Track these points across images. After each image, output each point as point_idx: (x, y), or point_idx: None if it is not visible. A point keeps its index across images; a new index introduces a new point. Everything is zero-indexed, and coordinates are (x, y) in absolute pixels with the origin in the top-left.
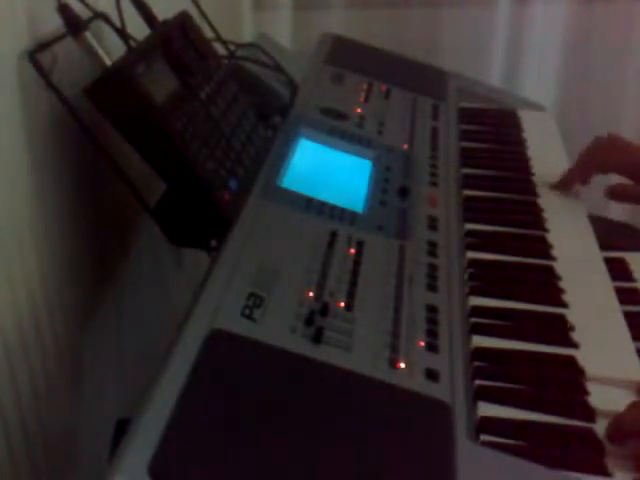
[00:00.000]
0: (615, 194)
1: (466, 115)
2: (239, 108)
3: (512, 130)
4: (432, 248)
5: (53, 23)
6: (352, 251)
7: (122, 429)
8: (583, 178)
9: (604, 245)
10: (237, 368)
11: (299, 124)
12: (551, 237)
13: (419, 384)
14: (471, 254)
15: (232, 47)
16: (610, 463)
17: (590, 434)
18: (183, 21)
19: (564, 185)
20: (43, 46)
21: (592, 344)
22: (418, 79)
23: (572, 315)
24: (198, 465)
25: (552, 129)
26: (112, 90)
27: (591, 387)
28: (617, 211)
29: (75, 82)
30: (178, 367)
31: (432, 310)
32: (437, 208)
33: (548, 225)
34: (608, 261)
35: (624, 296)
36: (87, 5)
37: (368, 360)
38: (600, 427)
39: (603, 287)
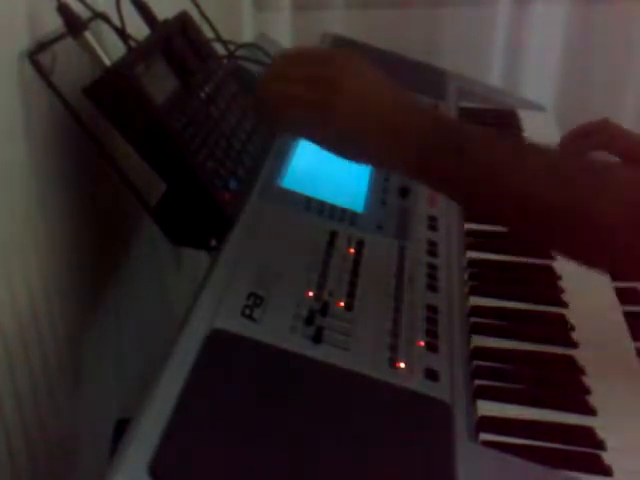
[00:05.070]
0: None
1: (466, 115)
2: (239, 108)
3: (512, 130)
4: (432, 248)
5: (53, 23)
6: (352, 251)
7: (122, 429)
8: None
9: None
10: (237, 368)
11: None
12: None
13: (419, 384)
14: (471, 254)
15: (232, 47)
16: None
17: (590, 433)
18: (183, 21)
19: None
20: (43, 46)
21: (592, 344)
22: (418, 79)
23: (572, 315)
24: (198, 465)
25: (552, 129)
26: (112, 90)
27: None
28: None
29: (75, 82)
30: (178, 367)
31: (432, 310)
32: (437, 208)
33: None
34: None
35: (624, 296)
36: (87, 5)
37: (368, 360)
38: (600, 426)
39: (603, 287)
